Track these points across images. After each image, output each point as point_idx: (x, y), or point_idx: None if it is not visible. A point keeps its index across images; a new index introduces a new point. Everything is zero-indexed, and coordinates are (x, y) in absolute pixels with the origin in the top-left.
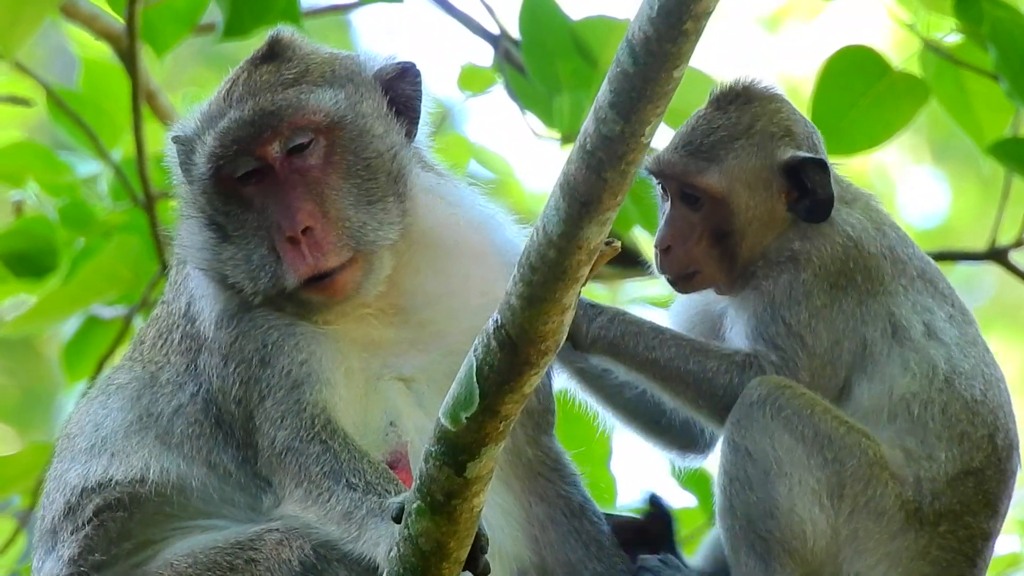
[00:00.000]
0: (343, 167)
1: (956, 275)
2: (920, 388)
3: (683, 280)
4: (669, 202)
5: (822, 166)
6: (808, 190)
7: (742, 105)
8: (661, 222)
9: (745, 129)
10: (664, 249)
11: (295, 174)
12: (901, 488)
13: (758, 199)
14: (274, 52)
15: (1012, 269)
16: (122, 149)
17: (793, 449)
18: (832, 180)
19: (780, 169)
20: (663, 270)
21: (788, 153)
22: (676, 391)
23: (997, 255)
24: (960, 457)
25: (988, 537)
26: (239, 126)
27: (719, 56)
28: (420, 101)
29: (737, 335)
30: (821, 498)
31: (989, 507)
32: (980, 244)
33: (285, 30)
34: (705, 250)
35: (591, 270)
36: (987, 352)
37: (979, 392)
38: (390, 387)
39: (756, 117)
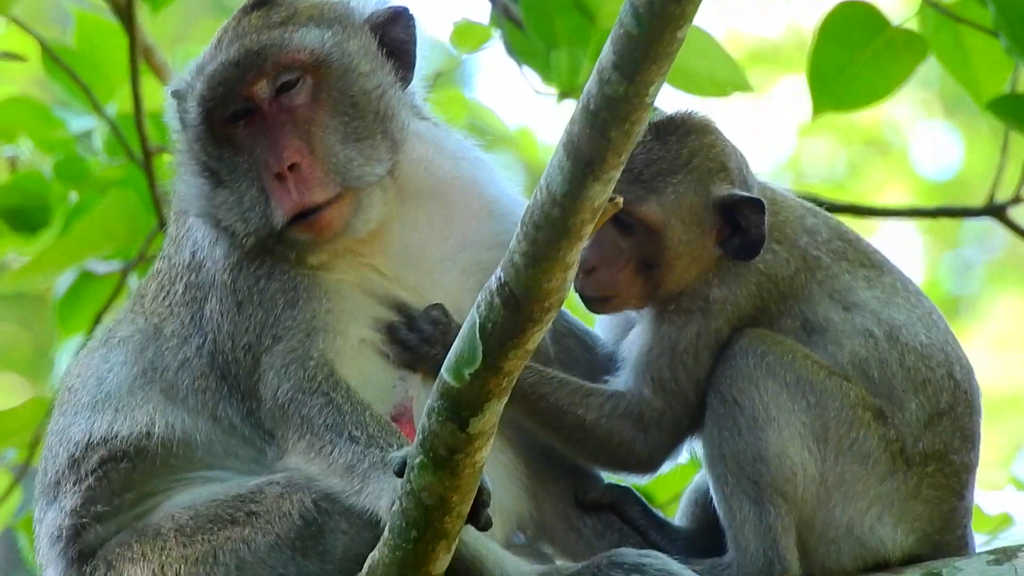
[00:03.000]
0: (330, 105)
1: (967, 230)
2: (868, 353)
3: (599, 302)
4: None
5: (759, 206)
6: (740, 228)
7: (681, 137)
8: (586, 241)
9: (684, 163)
10: (588, 270)
11: (283, 113)
12: (884, 429)
13: (691, 234)
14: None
15: (1011, 225)
16: (117, 104)
17: (778, 394)
18: (766, 219)
19: (715, 206)
20: (583, 290)
21: (724, 190)
22: (563, 445)
23: (996, 211)
24: (928, 402)
25: (971, 469)
26: (225, 68)
27: (725, 13)
28: (414, 46)
29: (629, 360)
30: (808, 442)
31: (968, 441)
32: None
33: None
34: (629, 277)
35: (594, 228)
36: (908, 291)
37: (924, 335)
38: None
39: (694, 151)
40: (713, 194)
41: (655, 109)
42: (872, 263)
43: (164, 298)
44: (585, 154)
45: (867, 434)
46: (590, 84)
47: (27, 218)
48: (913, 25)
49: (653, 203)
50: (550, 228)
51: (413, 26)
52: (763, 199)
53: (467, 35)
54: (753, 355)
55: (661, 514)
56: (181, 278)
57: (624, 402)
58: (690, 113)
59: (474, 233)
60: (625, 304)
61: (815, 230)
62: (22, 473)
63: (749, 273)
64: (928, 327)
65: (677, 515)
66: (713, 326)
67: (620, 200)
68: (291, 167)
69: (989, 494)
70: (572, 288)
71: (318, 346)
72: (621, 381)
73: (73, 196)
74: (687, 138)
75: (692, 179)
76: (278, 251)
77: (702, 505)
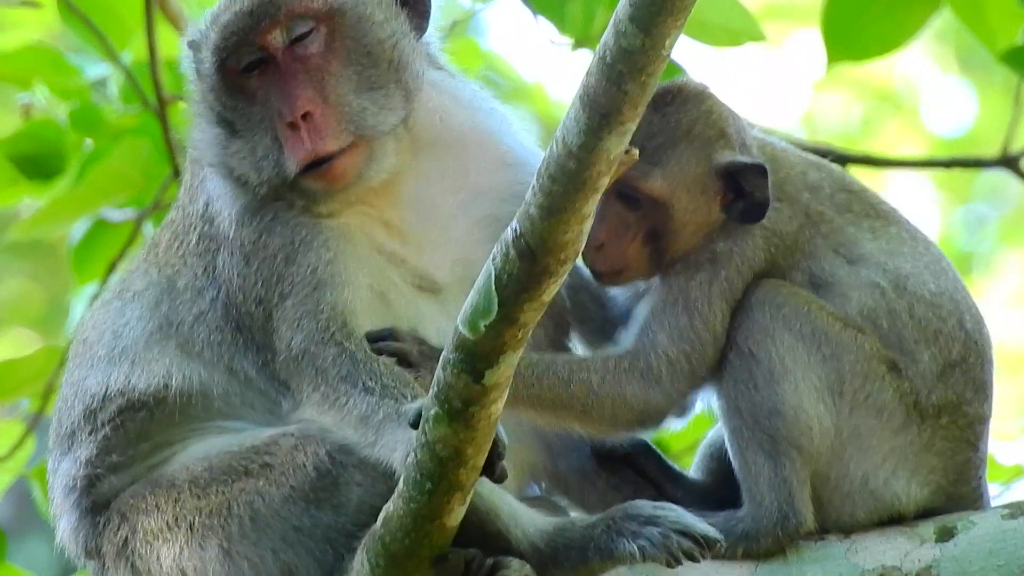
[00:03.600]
0: (343, 54)
1: (981, 184)
2: (876, 303)
3: (610, 276)
4: (600, 198)
5: (761, 171)
6: (744, 193)
7: (679, 107)
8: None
9: (685, 133)
10: (597, 245)
11: (296, 62)
12: (898, 382)
13: (697, 203)
14: None
15: None
16: (132, 52)
17: (794, 347)
18: (769, 183)
19: (718, 173)
20: (593, 265)
21: (726, 157)
22: (577, 420)
23: (1009, 162)
24: (940, 353)
25: (985, 420)
26: (239, 18)
27: None
28: None
29: (639, 317)
30: (823, 395)
31: (981, 392)
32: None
33: None
34: (637, 249)
35: (610, 180)
36: (915, 240)
37: (932, 284)
38: (412, 291)
39: (693, 120)
40: (715, 161)
41: (683, 72)
42: (878, 213)
43: (178, 248)
44: (601, 106)
45: (882, 387)
46: (606, 36)
47: (42, 165)
48: None
49: (658, 176)
50: (566, 180)
51: None
52: (763, 158)
53: None
54: (769, 307)
55: (676, 466)
56: (195, 228)
57: (628, 358)
58: (685, 82)
59: (488, 184)
60: (635, 275)
61: (817, 185)
62: (35, 422)
63: (754, 229)
64: (936, 275)
65: (692, 467)
66: (723, 274)
67: (635, 152)
68: (304, 116)
69: (1003, 444)
70: (583, 262)
71: (326, 299)
72: (626, 340)
73: (88, 144)
74: (685, 107)
75: (694, 149)
76: (290, 200)
77: (717, 458)
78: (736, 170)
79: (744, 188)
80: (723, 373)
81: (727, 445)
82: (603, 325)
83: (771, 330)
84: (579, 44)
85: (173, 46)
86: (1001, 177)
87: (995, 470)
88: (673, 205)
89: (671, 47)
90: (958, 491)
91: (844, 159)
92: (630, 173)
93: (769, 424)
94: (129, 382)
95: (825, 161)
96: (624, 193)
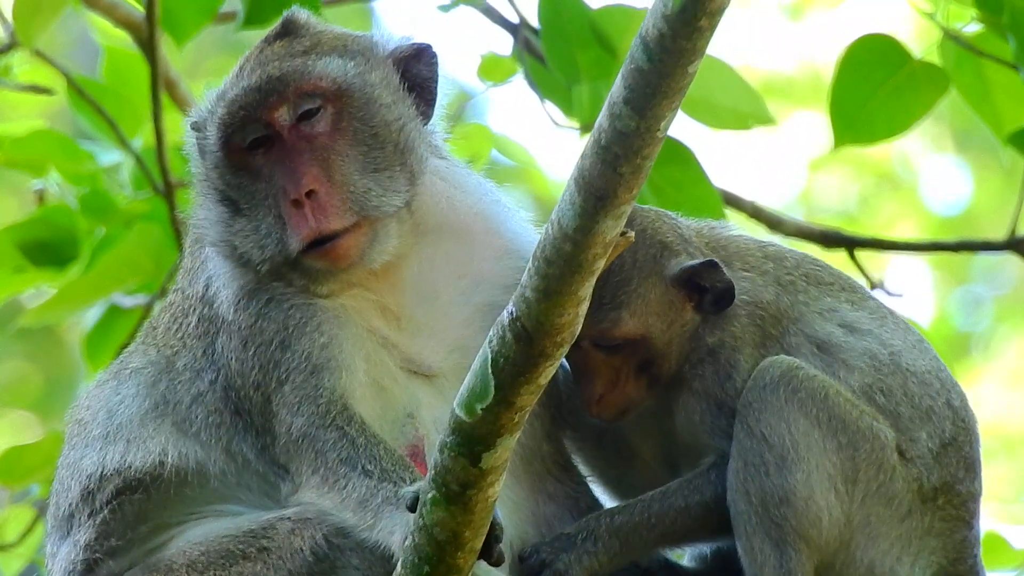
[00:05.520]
0: (350, 134)
1: (978, 265)
2: (873, 379)
3: (618, 416)
4: (580, 354)
5: (712, 265)
6: (706, 288)
7: None
8: (578, 374)
9: (631, 265)
10: (597, 399)
11: (302, 141)
12: (907, 470)
13: (669, 319)
14: (287, 30)
15: None
16: (143, 138)
17: (809, 433)
18: (723, 269)
19: (674, 284)
20: (599, 416)
21: (675, 267)
22: (686, 538)
23: (1016, 245)
24: (935, 432)
25: (977, 497)
26: (247, 94)
27: (742, 44)
28: (436, 83)
29: (701, 434)
30: (836, 484)
31: (971, 470)
32: (1002, 233)
33: (300, 11)
34: (634, 385)
35: (606, 262)
36: (894, 316)
37: (921, 361)
38: (408, 377)
39: (634, 249)
40: (667, 275)
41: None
42: (852, 287)
43: (177, 330)
44: (596, 189)
45: (893, 477)
46: (601, 119)
47: (56, 252)
48: (934, 58)
49: (627, 318)
50: (562, 263)
51: (436, 63)
52: (703, 241)
53: (494, 68)
54: (784, 389)
55: (669, 555)
56: (194, 310)
57: (716, 469)
58: None
59: (490, 272)
60: (640, 405)
61: (779, 257)
62: (45, 508)
63: (736, 309)
64: (921, 353)
65: (687, 555)
66: (723, 359)
67: (632, 234)
68: (309, 194)
69: (1015, 528)
70: (590, 417)
71: (325, 384)
72: (708, 459)
73: (100, 230)
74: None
75: (645, 274)
76: (290, 279)
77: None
78: (688, 276)
79: (704, 285)
80: (733, 452)
81: (733, 526)
82: (590, 431)
83: (785, 414)
84: (587, 129)
85: (182, 131)
86: (996, 258)
87: (1008, 554)
88: (651, 334)
89: (666, 128)
90: (956, 570)
91: (853, 242)
92: (601, 327)
93: (778, 513)
94: (125, 460)
95: (778, 241)
96: (602, 345)
